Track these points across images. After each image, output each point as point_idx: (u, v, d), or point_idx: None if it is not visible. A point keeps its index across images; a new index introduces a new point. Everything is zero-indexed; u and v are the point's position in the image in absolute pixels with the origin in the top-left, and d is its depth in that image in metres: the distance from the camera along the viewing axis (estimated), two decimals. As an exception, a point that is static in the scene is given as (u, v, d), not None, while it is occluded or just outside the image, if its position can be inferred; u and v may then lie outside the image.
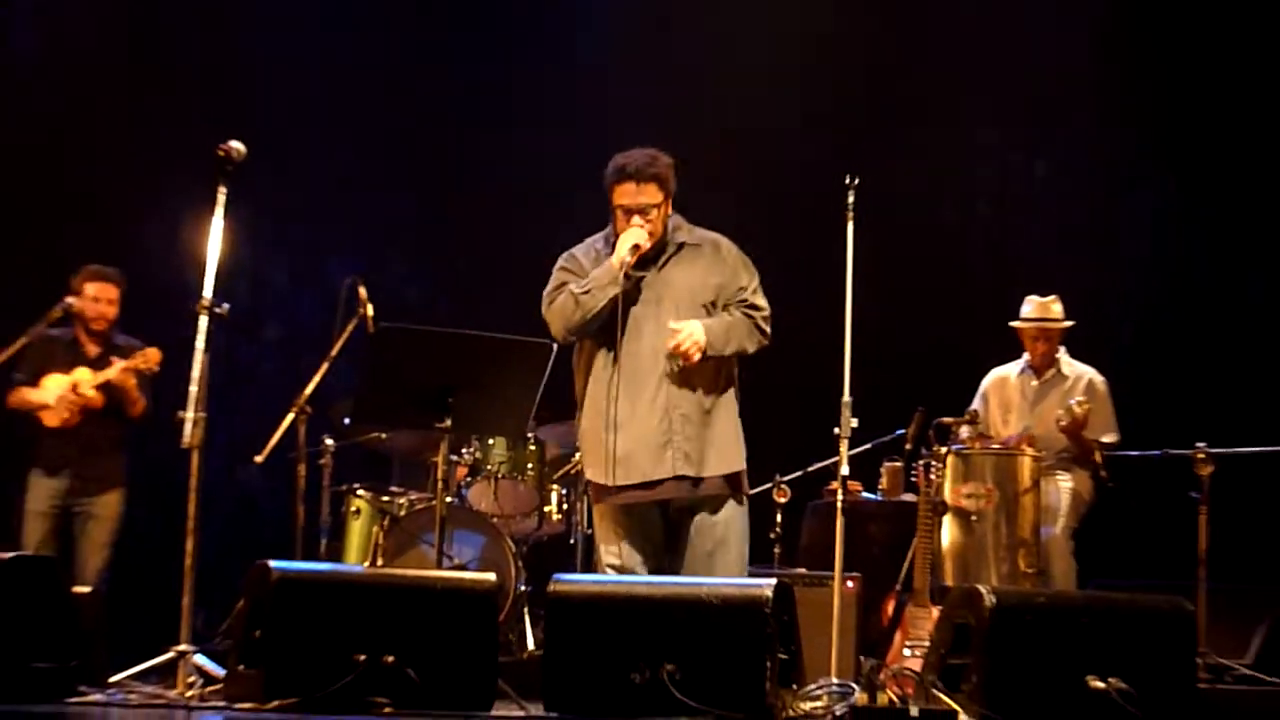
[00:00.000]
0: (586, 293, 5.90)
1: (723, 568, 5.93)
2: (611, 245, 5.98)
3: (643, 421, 5.91)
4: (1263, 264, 9.61)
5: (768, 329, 6.05)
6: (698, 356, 5.86)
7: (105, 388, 7.64)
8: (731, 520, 6.01)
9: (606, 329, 5.93)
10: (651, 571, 5.96)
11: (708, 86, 9.73)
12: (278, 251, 10.06)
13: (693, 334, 5.85)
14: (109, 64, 9.69)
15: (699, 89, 9.73)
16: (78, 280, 7.84)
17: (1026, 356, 8.07)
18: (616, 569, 5.95)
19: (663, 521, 6.02)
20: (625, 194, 5.95)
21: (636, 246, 5.90)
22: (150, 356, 7.61)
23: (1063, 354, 8.04)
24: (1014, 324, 8.06)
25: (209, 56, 9.87)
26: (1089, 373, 8.01)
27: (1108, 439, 7.83)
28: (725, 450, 5.99)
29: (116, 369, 7.61)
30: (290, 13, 9.88)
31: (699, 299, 5.99)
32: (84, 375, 7.66)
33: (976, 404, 8.04)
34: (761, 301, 6.05)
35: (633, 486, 5.92)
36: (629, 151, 6.01)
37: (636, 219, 5.94)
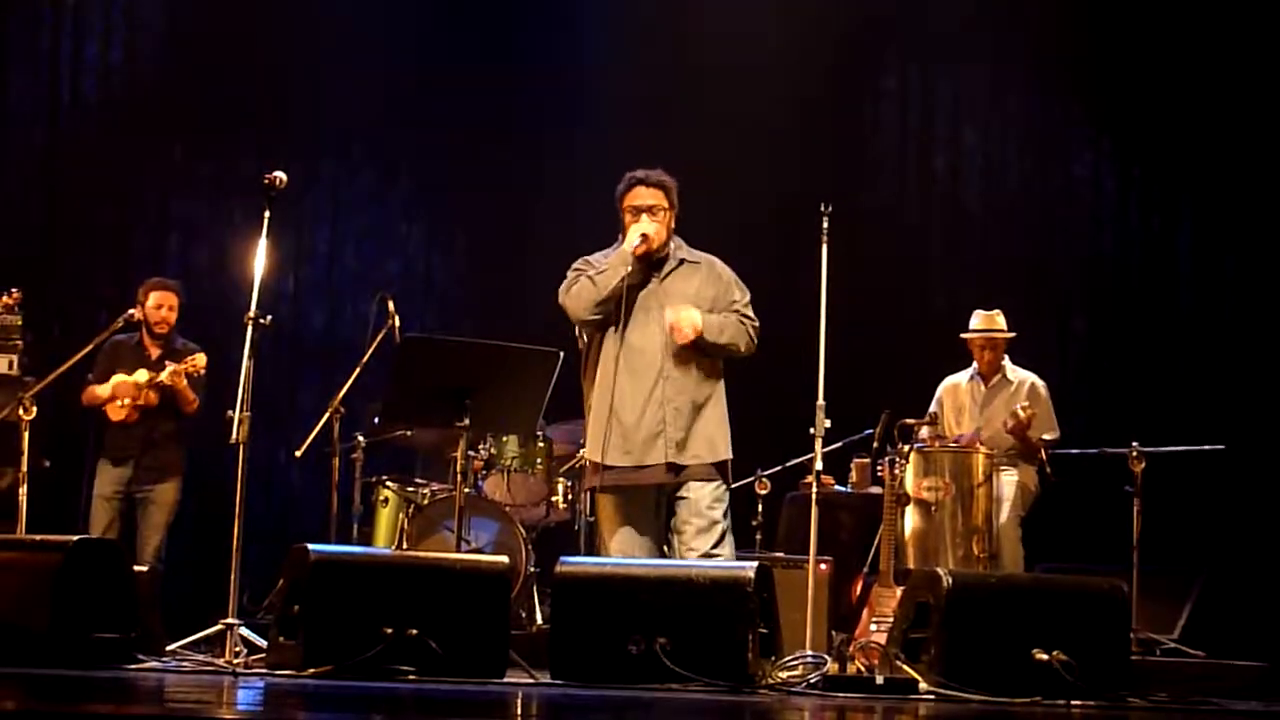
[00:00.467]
0: (601, 273, 5.93)
1: (713, 544, 5.89)
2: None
3: (641, 412, 5.89)
4: (1193, 281, 9.60)
5: (755, 339, 6.05)
6: (691, 335, 5.87)
7: (160, 388, 7.64)
8: (717, 501, 5.97)
9: (612, 324, 5.93)
10: (652, 552, 5.92)
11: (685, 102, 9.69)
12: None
13: (691, 317, 5.88)
14: (169, 106, 9.68)
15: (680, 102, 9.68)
16: (143, 291, 7.88)
17: (975, 365, 8.06)
18: (618, 553, 5.91)
19: (657, 506, 5.98)
20: (637, 196, 6.01)
21: (645, 236, 5.92)
22: (197, 362, 7.64)
23: (1006, 361, 8.04)
24: (963, 335, 8.05)
25: (256, 91, 9.84)
26: (1031, 377, 8.00)
27: (1049, 436, 7.82)
28: (713, 440, 5.97)
29: (168, 372, 7.61)
30: (331, 55, 9.85)
31: (699, 308, 5.97)
32: (141, 376, 7.68)
33: (933, 408, 8.03)
34: (751, 314, 6.07)
35: (626, 468, 5.90)
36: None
37: (645, 216, 5.97)
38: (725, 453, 6.01)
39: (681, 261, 6.06)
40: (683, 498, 5.94)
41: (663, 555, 5.94)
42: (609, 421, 5.89)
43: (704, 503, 5.92)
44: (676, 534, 5.94)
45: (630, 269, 5.89)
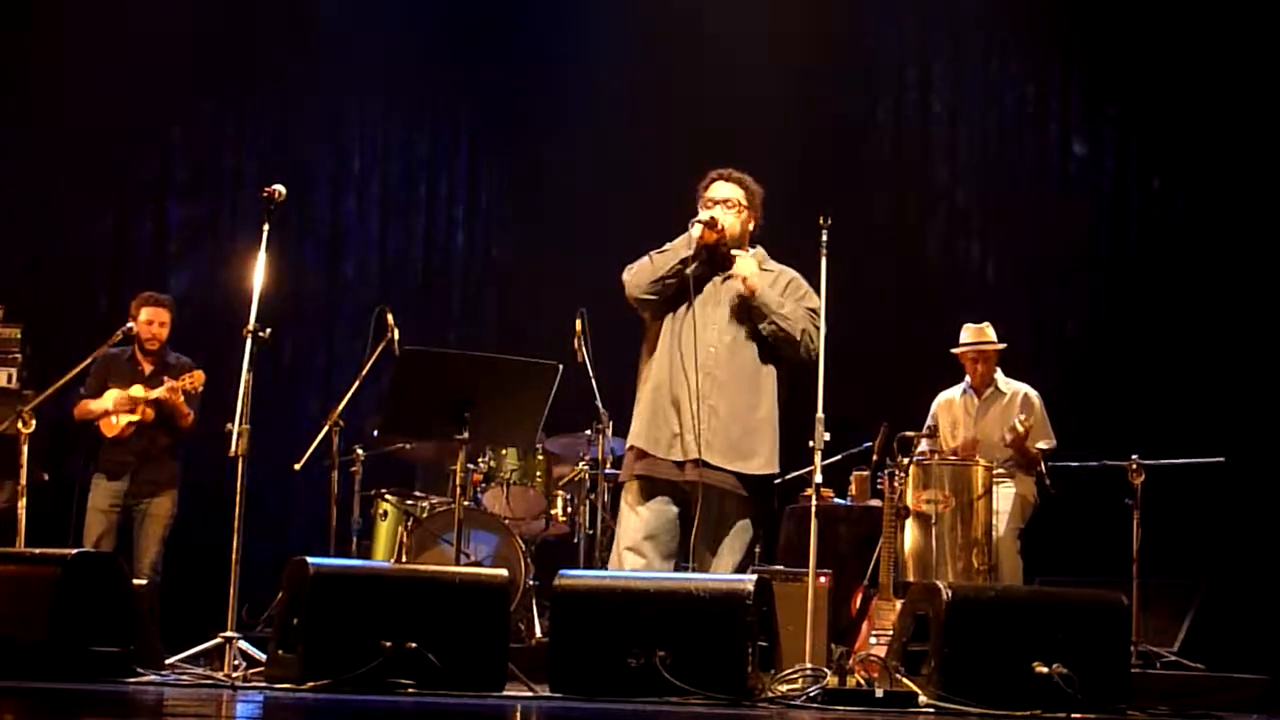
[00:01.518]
0: (662, 253, 5.90)
1: (720, 558, 5.83)
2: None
3: (683, 406, 5.82)
4: (1194, 292, 9.61)
5: (815, 344, 5.91)
6: (753, 283, 5.79)
7: (155, 403, 7.64)
8: (734, 517, 5.86)
9: (672, 313, 5.87)
10: (666, 553, 5.83)
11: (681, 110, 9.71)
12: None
13: (754, 272, 5.82)
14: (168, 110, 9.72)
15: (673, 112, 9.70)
16: (134, 306, 7.87)
17: (968, 379, 8.07)
18: (631, 550, 5.81)
19: (680, 506, 5.86)
20: (714, 189, 6.00)
21: (714, 220, 5.87)
22: (196, 379, 7.65)
23: (999, 374, 8.05)
24: (954, 350, 8.06)
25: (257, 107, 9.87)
26: (1024, 388, 8.01)
27: (1045, 445, 7.83)
28: (750, 452, 5.86)
29: (164, 389, 7.61)
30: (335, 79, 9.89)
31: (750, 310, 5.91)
32: (138, 392, 7.68)
33: (930, 423, 8.04)
34: (819, 322, 5.91)
35: (660, 460, 5.83)
36: None
37: (720, 207, 5.94)
38: (763, 467, 5.89)
39: (757, 264, 5.98)
40: (707, 499, 5.78)
41: (676, 546, 5.88)
42: (651, 414, 5.86)
43: (725, 511, 5.82)
44: (694, 531, 5.78)
45: (692, 252, 5.84)
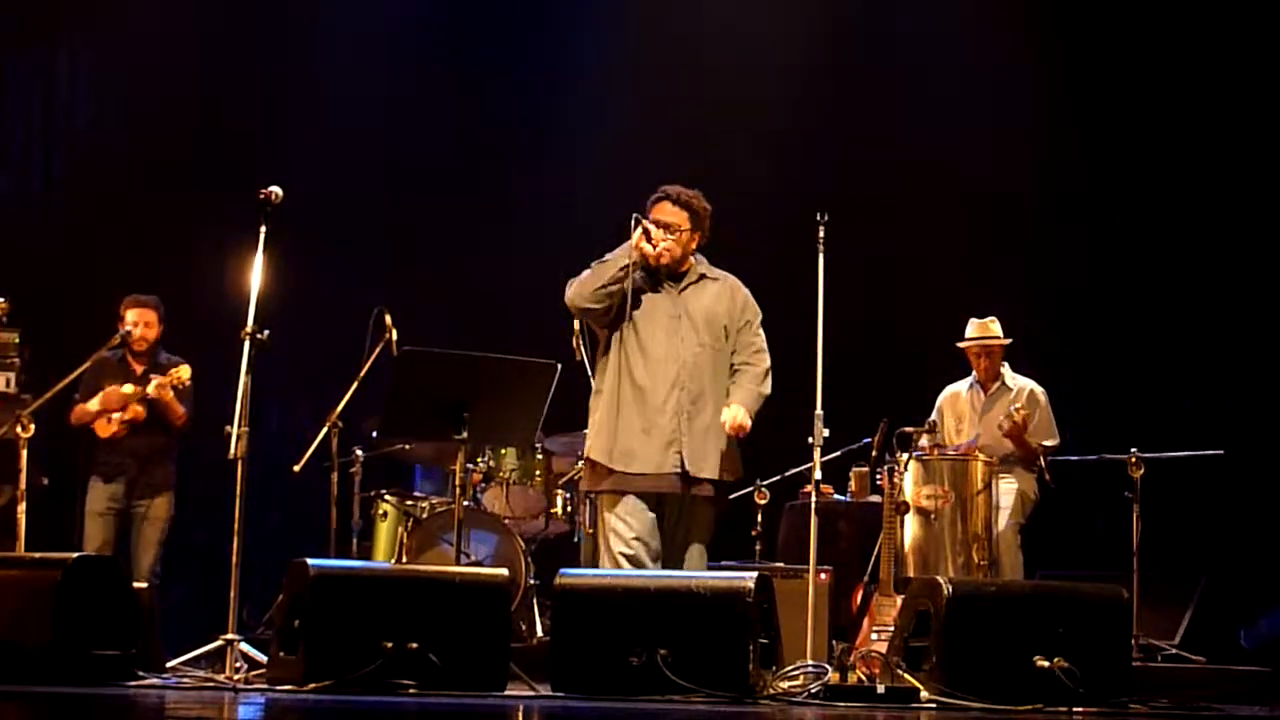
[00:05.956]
0: (604, 263, 6.00)
1: (690, 561, 6.00)
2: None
3: (653, 421, 5.93)
4: (1191, 286, 9.62)
5: (769, 374, 6.15)
6: (749, 425, 5.96)
7: (147, 402, 7.62)
8: (708, 525, 6.07)
9: (619, 327, 5.97)
10: (653, 553, 5.94)
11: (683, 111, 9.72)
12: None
13: (739, 417, 5.95)
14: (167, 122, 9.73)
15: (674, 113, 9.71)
16: (121, 308, 7.81)
17: (974, 373, 8.07)
18: (627, 556, 5.90)
19: (657, 509, 5.99)
20: (660, 210, 6.07)
21: (647, 232, 5.97)
22: (181, 374, 7.60)
23: (1005, 368, 8.05)
24: (959, 344, 8.07)
25: (250, 113, 9.87)
26: (1030, 384, 8.00)
27: (1049, 443, 7.82)
28: (722, 459, 6.01)
29: (153, 385, 7.59)
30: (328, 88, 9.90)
31: (713, 323, 6.07)
32: (127, 389, 7.66)
33: (933, 416, 8.04)
34: (763, 342, 6.15)
35: (634, 475, 5.93)
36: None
37: (662, 230, 6.02)
38: (730, 473, 6.07)
39: (701, 277, 6.13)
40: (681, 507, 5.97)
41: (659, 548, 5.96)
42: (617, 426, 5.93)
43: (697, 519, 6.01)
44: (666, 538, 5.98)
45: (632, 262, 5.93)
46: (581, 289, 6.00)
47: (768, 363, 6.14)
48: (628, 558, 5.90)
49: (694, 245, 6.13)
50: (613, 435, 5.96)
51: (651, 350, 5.98)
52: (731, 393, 6.04)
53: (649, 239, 5.99)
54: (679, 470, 5.92)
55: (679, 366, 5.97)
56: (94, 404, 7.66)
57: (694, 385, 5.98)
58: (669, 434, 5.92)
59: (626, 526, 5.93)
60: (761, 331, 6.17)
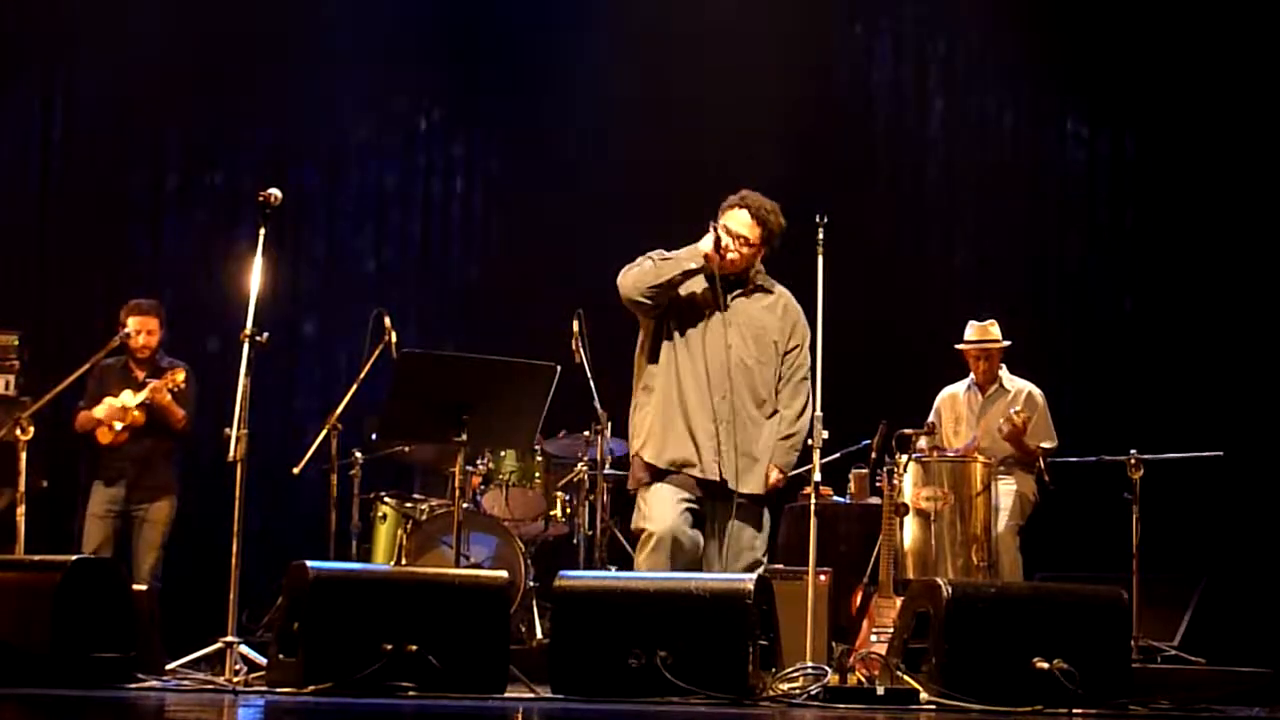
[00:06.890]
0: (666, 260, 5.90)
1: (741, 545, 5.91)
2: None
3: (699, 425, 5.88)
4: (1191, 288, 9.61)
5: (804, 417, 6.06)
6: (785, 479, 5.99)
7: (144, 407, 7.62)
8: (757, 535, 5.99)
9: (670, 327, 5.93)
10: (691, 541, 5.86)
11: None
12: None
13: (774, 478, 5.96)
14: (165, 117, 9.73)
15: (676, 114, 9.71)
16: (123, 314, 7.80)
17: (972, 375, 8.08)
18: (660, 534, 5.82)
19: (700, 503, 5.92)
20: (734, 219, 5.97)
21: (716, 254, 5.87)
22: (176, 377, 7.60)
23: (1003, 371, 8.05)
24: (958, 346, 8.07)
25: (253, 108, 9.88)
26: (1028, 386, 8.01)
27: (1047, 445, 7.83)
28: (762, 471, 5.97)
29: (149, 390, 7.59)
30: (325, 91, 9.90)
31: (761, 337, 6.00)
32: (127, 400, 7.66)
33: (931, 418, 8.04)
34: (807, 369, 6.07)
35: (678, 473, 5.88)
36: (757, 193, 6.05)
37: (734, 241, 5.94)
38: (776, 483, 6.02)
39: (758, 288, 6.06)
40: (726, 516, 5.89)
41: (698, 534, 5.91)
42: (666, 427, 5.90)
43: (746, 529, 5.93)
44: (712, 543, 5.90)
45: (697, 266, 5.87)
46: (638, 281, 5.88)
47: (806, 393, 6.06)
48: (665, 543, 5.80)
49: (759, 258, 6.05)
50: (663, 437, 5.91)
51: (699, 354, 5.92)
52: (774, 450, 5.98)
53: (718, 247, 5.90)
54: (719, 479, 5.87)
55: (724, 374, 5.89)
56: (99, 411, 7.66)
57: (737, 396, 5.91)
58: (711, 440, 5.86)
59: (664, 513, 5.83)
60: (808, 354, 6.09)
